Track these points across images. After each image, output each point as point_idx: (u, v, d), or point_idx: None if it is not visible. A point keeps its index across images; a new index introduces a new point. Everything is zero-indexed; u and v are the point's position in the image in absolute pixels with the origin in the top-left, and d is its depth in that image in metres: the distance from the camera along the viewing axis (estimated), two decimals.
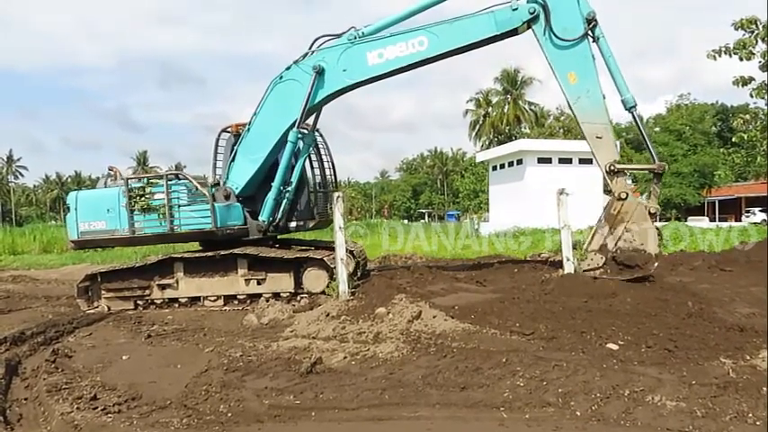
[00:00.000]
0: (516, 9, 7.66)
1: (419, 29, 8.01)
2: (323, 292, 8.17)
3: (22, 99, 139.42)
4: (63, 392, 4.61)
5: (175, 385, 4.76)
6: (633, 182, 50.29)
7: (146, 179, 8.90)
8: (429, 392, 4.33)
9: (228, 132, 9.25)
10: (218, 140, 9.27)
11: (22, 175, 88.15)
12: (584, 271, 7.63)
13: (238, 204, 8.76)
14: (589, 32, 7.52)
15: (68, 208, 8.90)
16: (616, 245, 7.50)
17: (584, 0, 7.55)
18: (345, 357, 5.27)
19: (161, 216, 8.42)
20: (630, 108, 7.87)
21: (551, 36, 7.58)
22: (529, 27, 7.80)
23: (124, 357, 5.87)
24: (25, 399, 4.65)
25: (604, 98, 7.74)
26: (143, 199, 8.45)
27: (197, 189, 8.45)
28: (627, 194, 7.51)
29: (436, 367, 4.80)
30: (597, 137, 7.66)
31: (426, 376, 4.62)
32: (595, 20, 7.51)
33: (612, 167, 7.56)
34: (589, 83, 7.63)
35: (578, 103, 7.68)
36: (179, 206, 8.45)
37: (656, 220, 7.61)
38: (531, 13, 7.59)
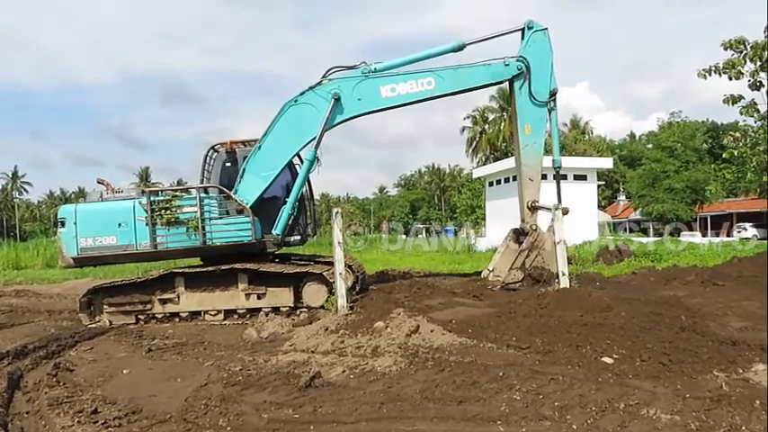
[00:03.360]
0: (508, 65, 9.25)
1: (428, 70, 9.17)
2: (322, 307, 8.23)
3: (28, 116, 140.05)
4: (64, 406, 4.63)
5: (175, 399, 4.78)
6: (627, 198, 50.79)
7: (166, 192, 8.86)
8: (427, 406, 4.36)
9: (218, 151, 9.38)
10: (206, 157, 9.37)
11: (27, 191, 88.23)
12: (508, 284, 9.26)
13: (257, 218, 8.84)
14: (550, 102, 9.30)
15: (63, 222, 8.53)
16: (531, 264, 9.27)
17: (554, 77, 9.30)
18: (344, 371, 5.30)
19: (190, 229, 8.37)
20: (557, 168, 9.87)
21: (527, 92, 9.24)
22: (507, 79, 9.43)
23: (125, 371, 5.88)
24: (27, 412, 4.64)
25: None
26: (168, 212, 8.33)
27: (234, 202, 8.56)
28: (537, 227, 9.51)
29: (434, 381, 4.83)
30: (530, 179, 9.69)
31: (424, 390, 4.65)
32: (556, 95, 9.32)
33: (533, 204, 9.63)
34: (537, 137, 9.55)
35: (525, 149, 9.58)
36: (210, 219, 8.46)
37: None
38: (519, 70, 9.20)
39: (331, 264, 7.96)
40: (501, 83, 9.46)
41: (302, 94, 9.03)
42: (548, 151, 10.37)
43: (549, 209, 9.53)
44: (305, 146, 9.02)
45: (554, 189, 9.72)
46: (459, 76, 9.18)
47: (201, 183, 9.20)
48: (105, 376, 5.67)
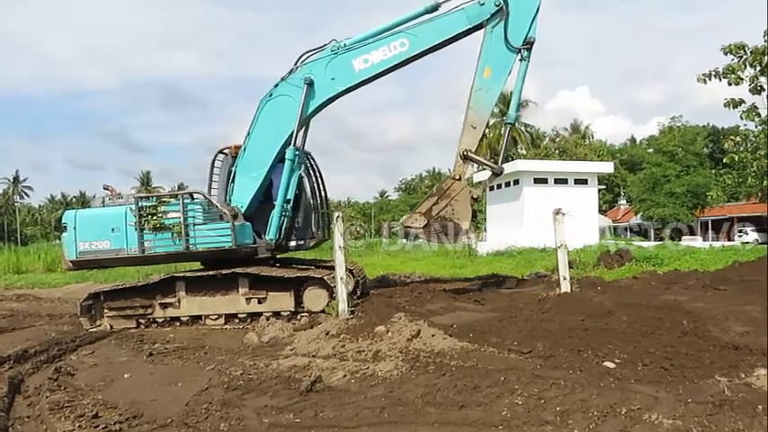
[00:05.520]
0: (483, 4, 8.50)
1: (399, 32, 8.67)
2: (323, 311, 8.22)
3: (28, 121, 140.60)
4: (65, 411, 4.64)
5: (176, 403, 4.79)
6: (628, 202, 50.85)
7: (154, 198, 8.92)
8: (428, 411, 4.36)
9: (225, 154, 9.38)
10: (214, 161, 9.39)
11: (28, 196, 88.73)
12: (405, 226, 8.76)
13: (248, 223, 8.83)
14: (522, 50, 8.40)
15: (65, 227, 8.74)
16: (438, 213, 8.53)
17: (535, 25, 8.44)
18: (345, 376, 5.31)
19: (174, 235, 8.41)
20: (508, 123, 9.26)
21: (500, 33, 8.40)
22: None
23: (126, 376, 5.88)
24: (28, 417, 4.65)
25: (496, 105, 8.82)
26: (155, 218, 8.41)
27: (217, 208, 8.54)
28: (460, 177, 8.66)
29: (435, 386, 4.83)
30: (473, 126, 8.68)
31: (425, 395, 4.65)
32: (532, 45, 8.44)
33: (466, 153, 8.63)
34: (495, 84, 8.60)
35: (477, 93, 8.62)
36: (194, 225, 8.46)
37: (474, 205, 8.83)
38: (497, 6, 8.38)
39: (332, 268, 7.96)
40: (480, 26, 8.56)
41: (276, 86, 8.86)
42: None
43: (484, 163, 9.05)
44: (289, 140, 8.83)
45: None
46: (432, 30, 8.61)
47: (210, 187, 9.26)
48: (106, 381, 5.68)
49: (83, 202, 77.50)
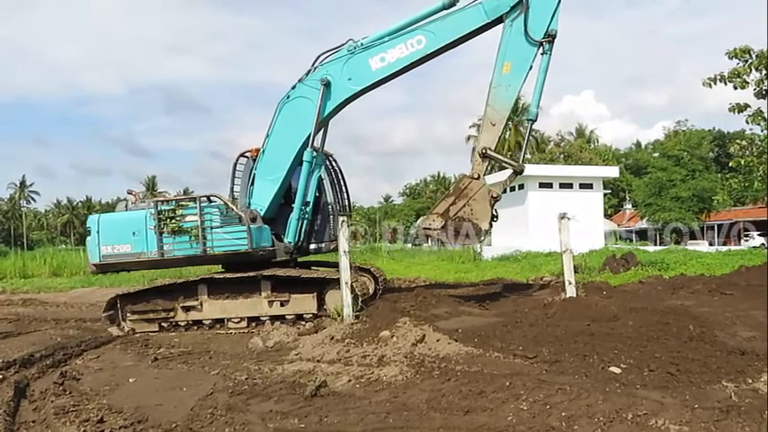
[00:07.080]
0: None
1: (415, 29, 8.53)
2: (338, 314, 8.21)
3: (35, 126, 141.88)
4: (70, 415, 4.65)
5: (181, 408, 4.79)
6: (633, 206, 50.67)
7: (174, 201, 8.96)
8: (433, 416, 4.34)
9: (247, 157, 9.41)
10: (235, 165, 9.43)
11: (34, 200, 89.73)
12: (423, 228, 8.41)
13: (267, 226, 8.83)
14: (544, 43, 8.16)
15: (89, 231, 8.83)
16: (456, 214, 8.23)
17: (556, 18, 8.23)
18: (350, 381, 5.30)
19: (192, 238, 8.45)
20: (530, 119, 8.89)
21: (520, 26, 8.16)
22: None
23: (131, 380, 5.90)
24: (33, 421, 4.66)
25: (517, 101, 8.49)
26: (173, 221, 8.47)
27: (232, 211, 8.56)
28: (479, 176, 8.39)
29: (440, 391, 4.81)
30: (492, 123, 8.46)
31: (430, 400, 4.64)
32: (554, 38, 8.21)
33: (485, 151, 8.40)
34: (515, 80, 8.33)
35: (497, 89, 8.38)
36: (212, 228, 8.50)
37: (494, 204, 8.51)
38: None
39: (355, 270, 7.94)
40: (498, 21, 8.32)
41: (294, 88, 8.86)
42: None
43: (505, 161, 8.78)
44: (306, 142, 8.79)
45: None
46: (449, 25, 8.41)
47: (231, 190, 9.31)
48: (111, 385, 5.69)
49: (88, 206, 78.17)
